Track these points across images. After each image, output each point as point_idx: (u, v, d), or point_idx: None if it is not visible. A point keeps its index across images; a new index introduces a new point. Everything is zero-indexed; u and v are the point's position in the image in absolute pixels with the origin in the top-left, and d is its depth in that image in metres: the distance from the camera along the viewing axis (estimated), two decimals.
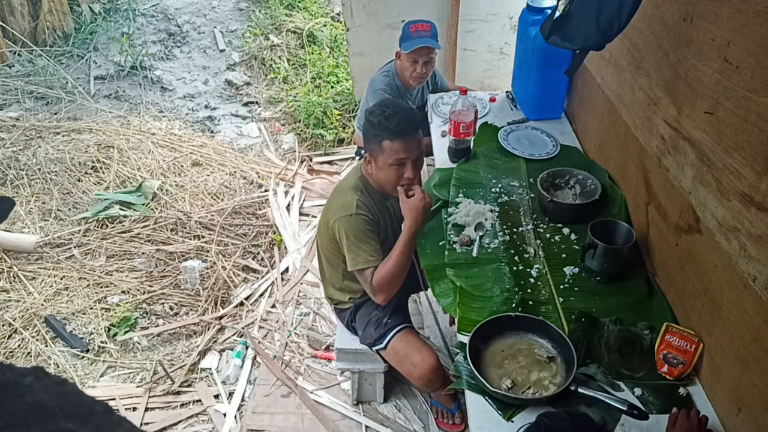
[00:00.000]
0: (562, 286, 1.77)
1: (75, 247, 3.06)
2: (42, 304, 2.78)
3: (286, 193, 3.60)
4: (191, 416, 2.39)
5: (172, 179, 3.51)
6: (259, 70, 4.75)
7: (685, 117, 1.52)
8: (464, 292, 1.75)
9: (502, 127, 2.56)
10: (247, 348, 2.65)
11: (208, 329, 2.73)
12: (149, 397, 2.44)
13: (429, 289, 1.96)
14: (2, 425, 0.40)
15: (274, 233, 3.28)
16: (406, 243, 1.81)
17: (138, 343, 2.65)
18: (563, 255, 1.89)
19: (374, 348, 2.05)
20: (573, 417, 1.03)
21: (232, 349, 2.65)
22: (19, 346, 2.62)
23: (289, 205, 3.51)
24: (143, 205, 3.29)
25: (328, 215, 1.89)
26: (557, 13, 1.63)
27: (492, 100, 2.83)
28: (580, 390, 1.40)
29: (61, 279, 2.92)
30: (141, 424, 2.33)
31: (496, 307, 1.69)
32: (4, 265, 2.96)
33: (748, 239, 1.25)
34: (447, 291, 1.81)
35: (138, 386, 2.49)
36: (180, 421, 2.37)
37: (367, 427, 2.28)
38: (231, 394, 2.46)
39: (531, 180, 2.23)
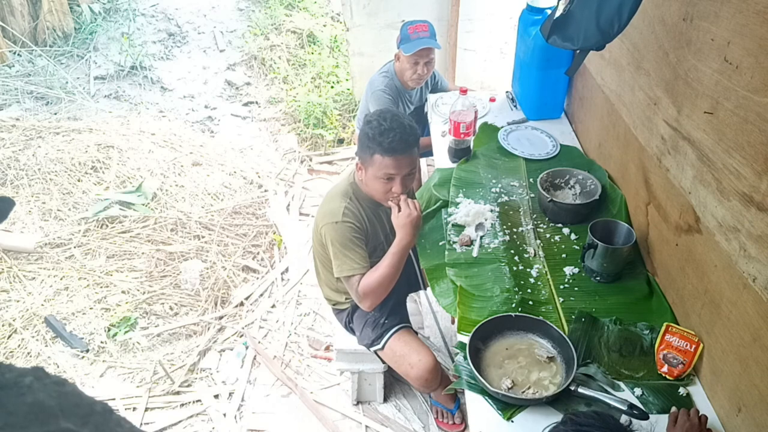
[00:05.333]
0: (562, 286, 1.78)
1: (75, 247, 3.06)
2: (42, 304, 2.78)
3: (286, 193, 3.60)
4: (191, 416, 2.39)
5: (172, 179, 3.51)
6: (259, 70, 4.75)
7: (685, 117, 1.52)
8: (464, 292, 1.75)
9: (502, 127, 2.56)
10: (247, 348, 2.65)
11: (208, 329, 2.73)
12: (149, 397, 2.44)
13: (429, 289, 1.96)
14: (2, 425, 0.40)
15: (274, 233, 3.29)
16: (395, 255, 1.79)
17: (138, 343, 2.65)
18: (563, 255, 1.89)
19: (372, 349, 2.05)
20: (601, 417, 1.03)
21: (232, 349, 2.65)
22: (19, 346, 2.62)
23: (289, 205, 3.51)
24: (143, 205, 3.29)
25: (318, 220, 1.90)
26: (557, 13, 1.63)
27: (492, 100, 2.83)
28: (580, 390, 1.41)
29: (61, 279, 2.92)
30: (141, 424, 2.32)
31: (496, 307, 1.69)
32: (4, 265, 2.96)
33: (748, 239, 1.25)
34: (447, 291, 1.81)
35: (138, 386, 2.49)
36: (180, 421, 2.36)
37: (367, 427, 2.28)
38: (231, 394, 2.46)
39: (531, 180, 2.23)
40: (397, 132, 1.71)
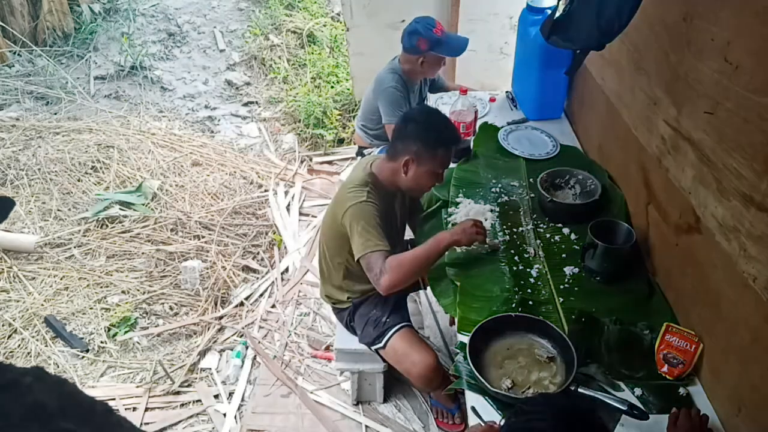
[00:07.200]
0: (562, 286, 1.77)
1: (75, 247, 3.06)
2: (42, 304, 2.78)
3: (286, 193, 3.60)
4: (191, 416, 2.39)
5: (172, 179, 3.51)
6: (259, 70, 4.75)
7: (685, 117, 1.52)
8: (464, 292, 1.75)
9: (502, 127, 2.56)
10: (247, 348, 2.65)
11: (208, 329, 2.73)
12: (149, 397, 2.44)
13: (429, 289, 1.96)
14: (2, 425, 0.40)
15: (274, 233, 3.29)
16: (431, 242, 1.78)
17: (138, 343, 2.65)
18: (563, 255, 1.89)
19: (373, 347, 2.05)
20: (548, 399, 1.03)
21: (232, 349, 2.65)
22: (19, 346, 2.62)
23: (289, 205, 3.51)
24: (143, 205, 3.29)
25: (337, 208, 1.88)
26: (557, 14, 1.63)
27: (492, 100, 2.83)
28: (580, 390, 1.40)
29: (61, 279, 2.92)
30: (141, 424, 2.32)
31: (496, 307, 1.69)
32: (4, 265, 2.96)
33: (748, 239, 1.25)
34: (447, 291, 1.81)
35: (138, 386, 2.49)
36: (180, 421, 2.36)
37: (367, 427, 2.28)
38: (231, 394, 2.46)
39: (531, 180, 2.22)
40: (450, 124, 1.87)
